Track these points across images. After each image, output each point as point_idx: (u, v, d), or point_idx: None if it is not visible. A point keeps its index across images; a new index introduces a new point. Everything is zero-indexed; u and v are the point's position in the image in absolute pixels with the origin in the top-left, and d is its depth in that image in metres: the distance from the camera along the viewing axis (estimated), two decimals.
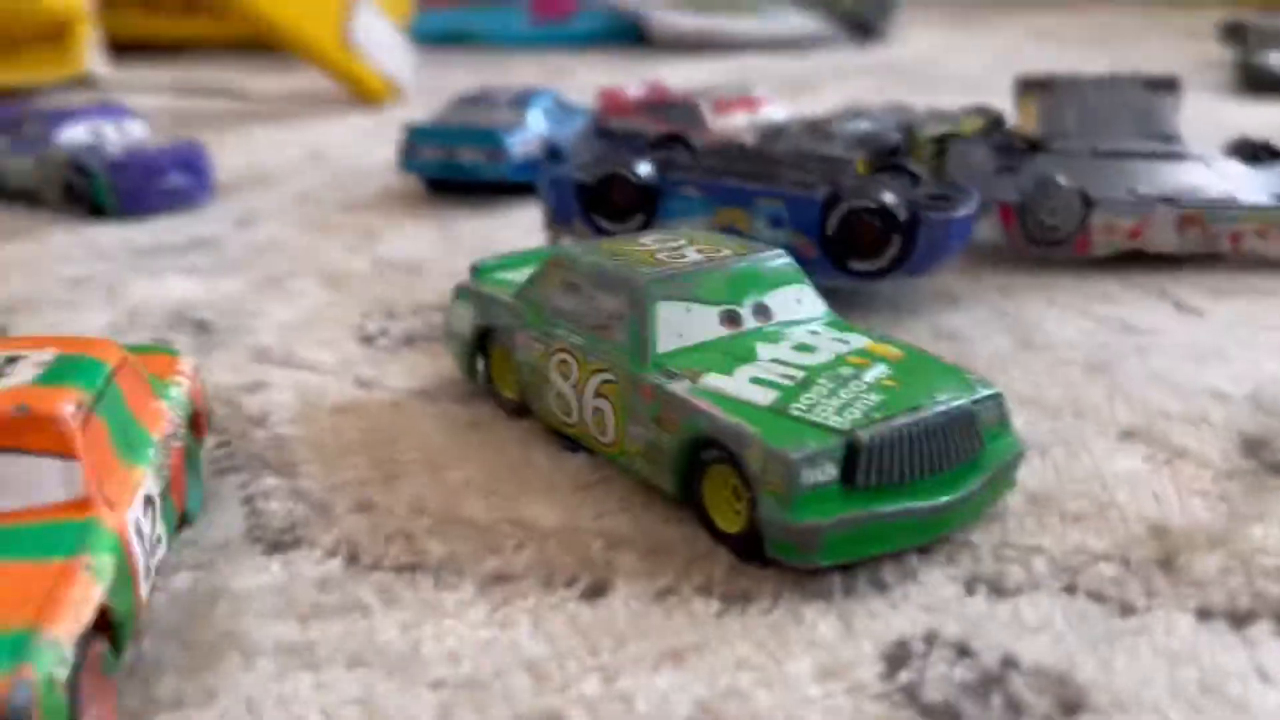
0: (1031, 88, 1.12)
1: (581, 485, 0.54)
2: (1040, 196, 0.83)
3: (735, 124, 1.12)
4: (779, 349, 0.52)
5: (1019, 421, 0.59)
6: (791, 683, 0.40)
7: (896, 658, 0.41)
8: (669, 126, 1.13)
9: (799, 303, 0.56)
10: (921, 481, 0.46)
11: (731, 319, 0.54)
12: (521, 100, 1.17)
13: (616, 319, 0.53)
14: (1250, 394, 0.62)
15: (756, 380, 0.49)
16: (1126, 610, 0.43)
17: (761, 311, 0.55)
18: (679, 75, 1.91)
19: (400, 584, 0.46)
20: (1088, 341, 0.71)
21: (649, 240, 0.58)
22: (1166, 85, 1.09)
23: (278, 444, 0.59)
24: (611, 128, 1.21)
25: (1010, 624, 0.43)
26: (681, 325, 0.53)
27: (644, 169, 0.80)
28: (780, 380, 0.49)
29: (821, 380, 0.49)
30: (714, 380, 0.50)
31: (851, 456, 0.45)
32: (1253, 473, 0.54)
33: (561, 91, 1.29)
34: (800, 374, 0.50)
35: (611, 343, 0.53)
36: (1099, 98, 1.08)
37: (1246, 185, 0.86)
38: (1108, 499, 0.51)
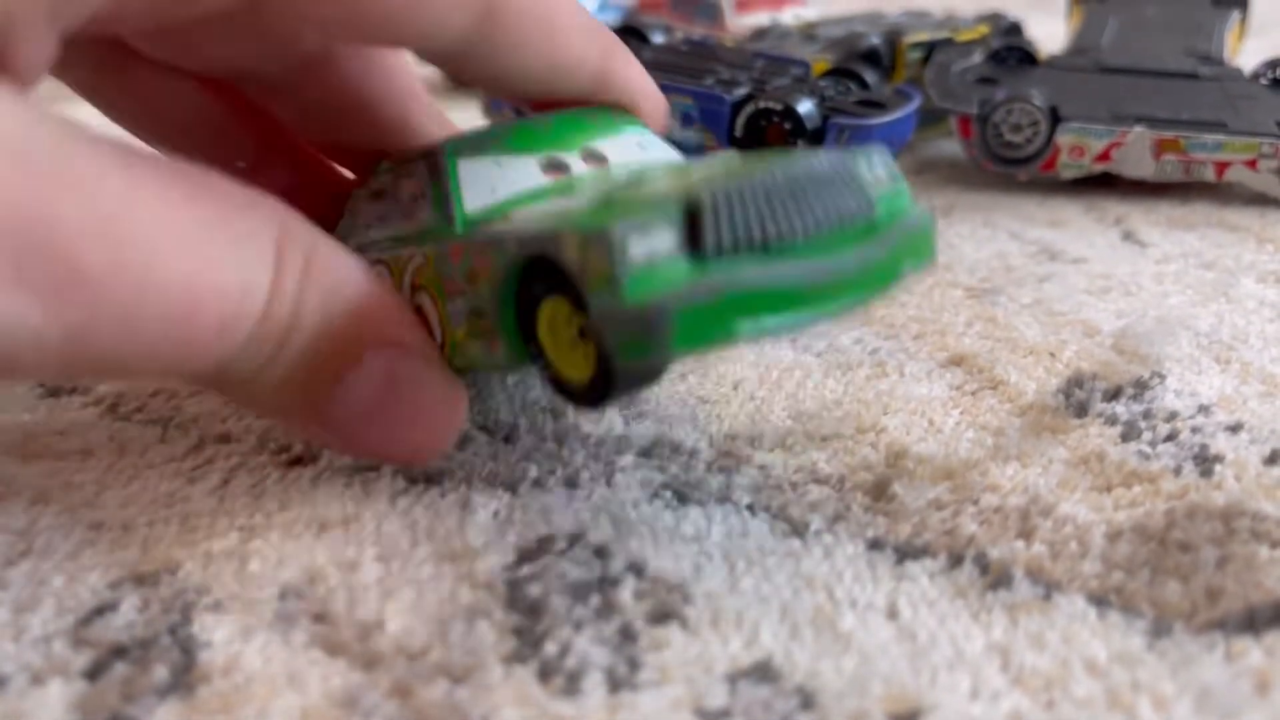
0: None
1: None
2: (1002, 110, 0.77)
3: (754, 21, 1.08)
4: (611, 180, 0.43)
5: (848, 339, 0.56)
6: (410, 561, 0.40)
7: (531, 553, 0.40)
8: (693, 23, 1.10)
9: (642, 148, 0.46)
10: (794, 244, 0.36)
11: (556, 167, 0.44)
12: None
13: (420, 198, 0.46)
14: (1120, 330, 0.57)
15: (577, 201, 0.41)
16: (795, 532, 0.41)
17: (595, 157, 0.45)
18: None
19: (131, 435, 0.48)
20: (994, 265, 0.66)
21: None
22: (1232, 1, 0.99)
23: None
24: (641, 23, 1.18)
25: (663, 533, 0.41)
26: (494, 180, 0.43)
27: None
28: (605, 190, 0.41)
29: (658, 174, 0.42)
30: (525, 212, 0.41)
31: (693, 218, 0.35)
32: (1053, 411, 0.49)
33: None
34: (632, 179, 0.42)
35: (417, 225, 0.46)
36: (1155, 12, 0.99)
37: (1253, 111, 0.77)
38: (874, 423, 0.48)
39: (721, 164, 0.41)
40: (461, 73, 0.46)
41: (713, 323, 0.34)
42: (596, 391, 0.37)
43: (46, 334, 0.32)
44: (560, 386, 0.39)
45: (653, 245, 0.34)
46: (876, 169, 0.39)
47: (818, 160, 0.38)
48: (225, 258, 0.35)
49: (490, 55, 0.44)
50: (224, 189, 0.37)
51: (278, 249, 0.37)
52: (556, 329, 0.38)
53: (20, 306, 0.31)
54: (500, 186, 0.43)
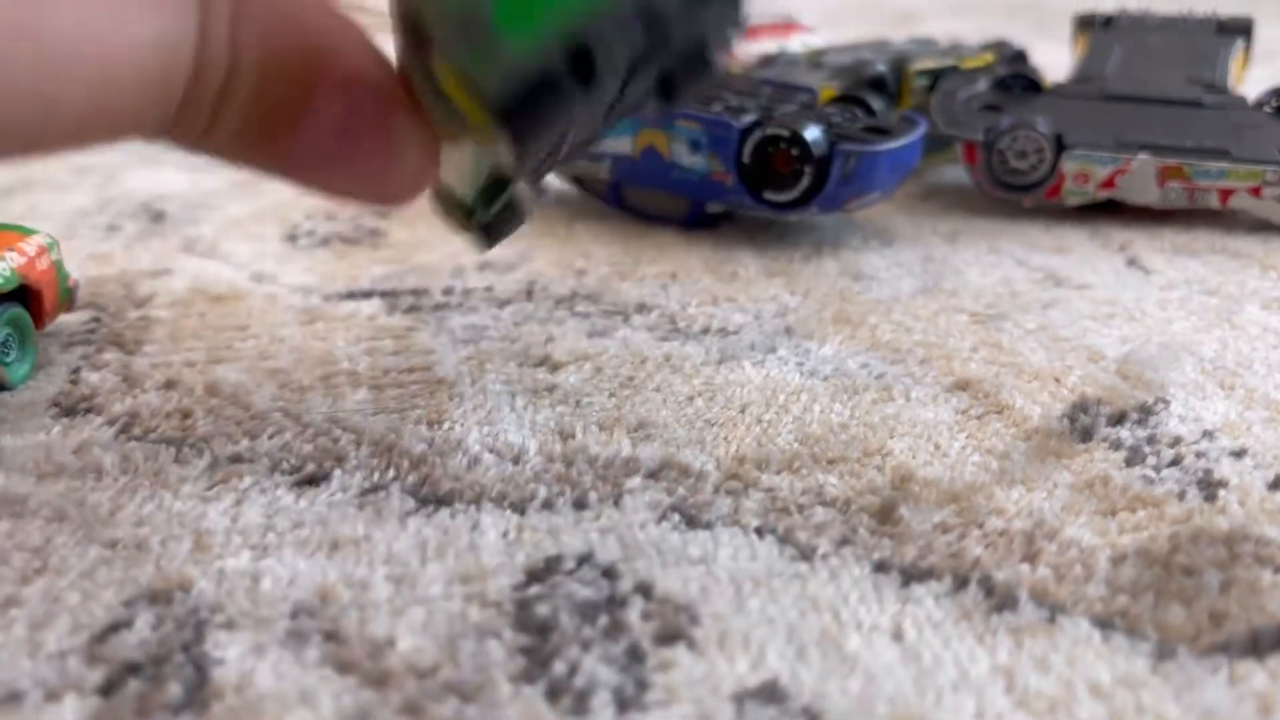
0: (1087, 25, 1.04)
1: (377, 385, 0.55)
2: (1007, 137, 0.78)
3: (762, 49, 1.08)
4: None
5: (855, 363, 0.57)
6: (420, 581, 0.40)
7: (540, 573, 0.41)
8: None
9: None
10: None
11: None
12: None
13: None
14: (1124, 356, 0.57)
15: None
16: (802, 555, 0.41)
17: None
18: (810, 4, 1.85)
19: (145, 455, 0.49)
20: (1000, 291, 0.67)
21: None
22: (1237, 29, 1.00)
23: (142, 325, 0.63)
24: None
25: (670, 554, 0.42)
26: None
27: None
28: None
29: None
30: None
31: None
32: (1058, 435, 0.49)
33: None
34: None
35: None
36: (1157, 39, 0.99)
37: (1257, 139, 0.77)
38: (880, 447, 0.49)
39: None
40: None
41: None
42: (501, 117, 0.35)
43: None
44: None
45: None
46: None
47: None
48: (139, 12, 0.32)
49: None
50: None
51: None
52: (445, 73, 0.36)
53: None
54: None
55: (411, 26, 0.36)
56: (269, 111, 0.36)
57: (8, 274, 0.54)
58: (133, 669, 0.36)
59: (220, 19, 0.34)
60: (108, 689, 0.35)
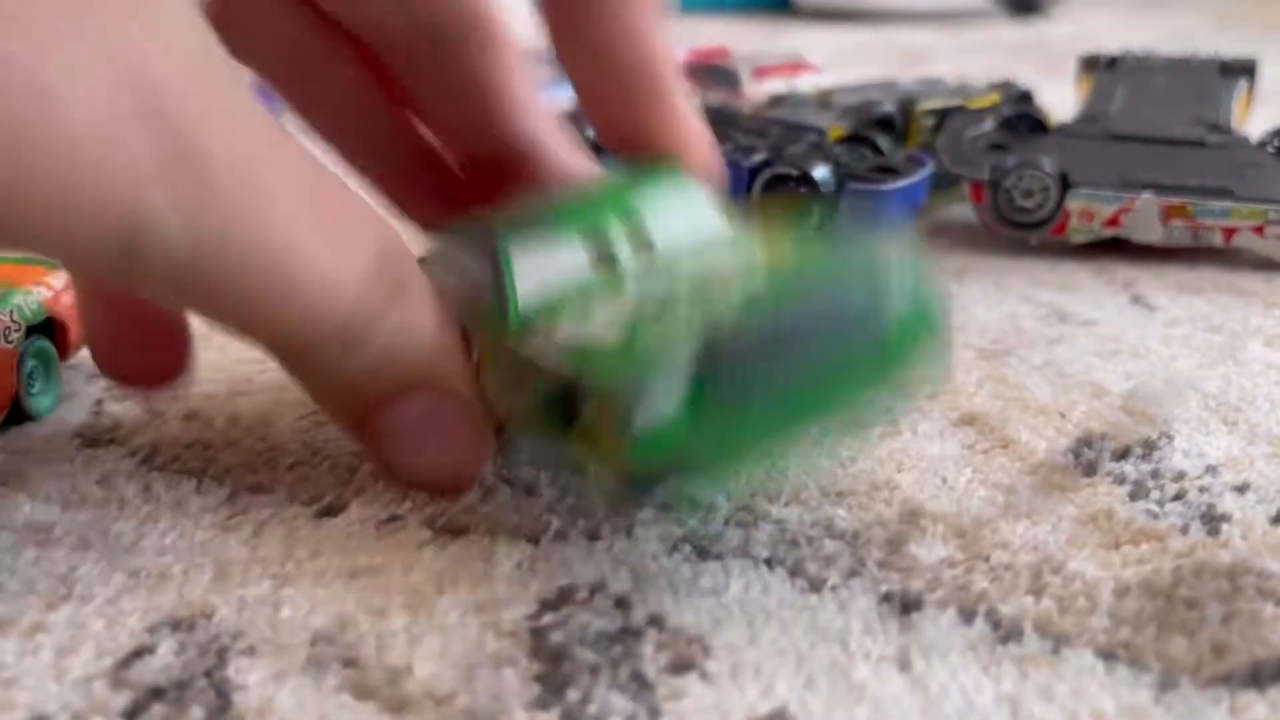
0: (1091, 66, 1.06)
1: None
2: (1013, 175, 0.79)
3: (771, 89, 1.10)
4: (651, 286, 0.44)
5: None
6: (437, 609, 0.41)
7: (553, 603, 0.41)
8: (710, 90, 1.13)
9: (688, 225, 0.47)
10: (796, 395, 0.39)
11: (604, 260, 0.46)
12: None
13: (479, 281, 0.46)
14: (1129, 391, 0.58)
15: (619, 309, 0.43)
16: (812, 587, 0.42)
17: (643, 245, 0.46)
18: (818, 43, 1.88)
19: (167, 485, 0.50)
20: (1005, 327, 0.68)
21: None
22: (1240, 70, 1.01)
23: None
24: None
25: (682, 585, 0.42)
26: (543, 269, 0.45)
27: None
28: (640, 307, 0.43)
29: (689, 287, 0.43)
30: (572, 323, 0.43)
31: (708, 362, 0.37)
32: (1063, 470, 0.50)
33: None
34: None
35: (479, 305, 0.46)
36: (1161, 80, 1.01)
37: (1260, 178, 0.79)
38: (887, 480, 0.50)
39: (750, 269, 0.44)
40: None
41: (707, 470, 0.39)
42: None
43: (174, 240, 0.35)
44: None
45: (658, 408, 0.37)
46: (906, 279, 0.40)
47: (840, 291, 0.39)
48: (329, 250, 0.39)
49: None
50: (350, 195, 0.41)
51: (376, 267, 0.41)
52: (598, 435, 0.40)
53: (159, 199, 0.34)
54: (549, 277, 0.45)
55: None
56: (373, 383, 0.43)
57: (35, 308, 0.56)
58: (157, 694, 0.37)
59: (378, 294, 0.41)
60: (133, 713, 0.36)
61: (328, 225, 0.39)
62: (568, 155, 0.55)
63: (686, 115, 0.51)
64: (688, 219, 0.48)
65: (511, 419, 0.47)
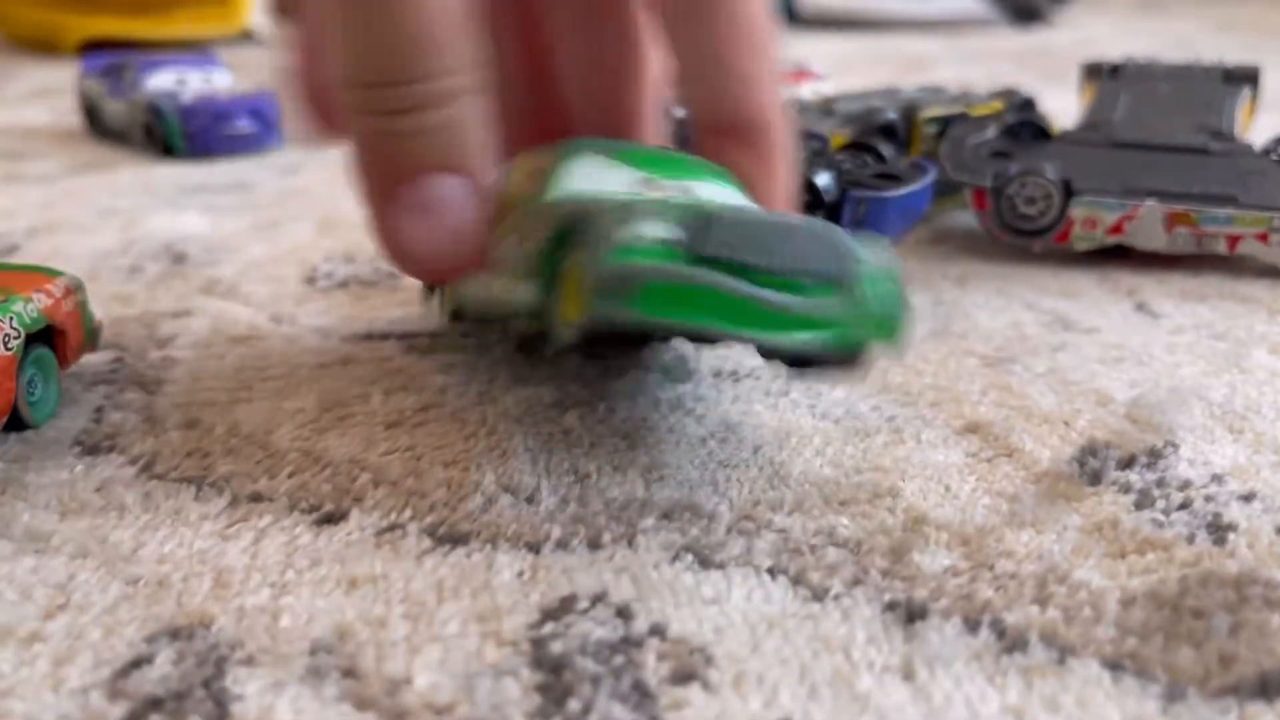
0: (1094, 73, 1.06)
1: (393, 424, 0.56)
2: (1016, 183, 0.79)
3: None
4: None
5: (866, 405, 0.57)
6: (437, 619, 0.41)
7: (554, 612, 0.41)
8: None
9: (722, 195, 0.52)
10: (766, 273, 0.43)
11: (649, 184, 0.52)
12: None
13: (538, 174, 0.53)
14: (1133, 399, 0.58)
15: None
16: (815, 596, 0.42)
17: (684, 190, 0.51)
18: (821, 51, 1.88)
19: (166, 493, 0.50)
20: (1009, 335, 0.67)
21: None
22: (1243, 77, 1.01)
23: (164, 365, 0.64)
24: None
25: (684, 594, 0.42)
26: (594, 177, 0.51)
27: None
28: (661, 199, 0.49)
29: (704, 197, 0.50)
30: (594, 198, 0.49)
31: (700, 225, 0.43)
32: (1067, 479, 0.50)
33: None
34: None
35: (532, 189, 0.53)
36: (1166, 88, 1.01)
37: (1264, 186, 0.78)
38: (891, 489, 0.49)
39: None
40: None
41: (668, 302, 0.42)
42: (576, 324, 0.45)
43: None
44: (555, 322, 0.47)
45: (645, 231, 0.43)
46: (875, 253, 0.46)
47: (821, 225, 0.46)
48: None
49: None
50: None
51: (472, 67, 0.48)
52: (569, 279, 0.46)
53: None
54: (596, 182, 0.51)
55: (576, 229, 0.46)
56: (411, 153, 0.49)
57: (35, 315, 0.55)
58: (154, 704, 0.36)
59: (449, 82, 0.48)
60: None
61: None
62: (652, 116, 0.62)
63: (785, 179, 0.57)
64: (722, 191, 0.53)
65: (515, 266, 0.50)
